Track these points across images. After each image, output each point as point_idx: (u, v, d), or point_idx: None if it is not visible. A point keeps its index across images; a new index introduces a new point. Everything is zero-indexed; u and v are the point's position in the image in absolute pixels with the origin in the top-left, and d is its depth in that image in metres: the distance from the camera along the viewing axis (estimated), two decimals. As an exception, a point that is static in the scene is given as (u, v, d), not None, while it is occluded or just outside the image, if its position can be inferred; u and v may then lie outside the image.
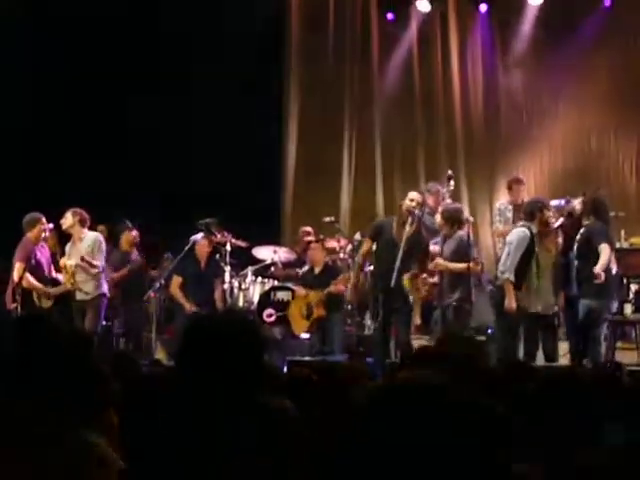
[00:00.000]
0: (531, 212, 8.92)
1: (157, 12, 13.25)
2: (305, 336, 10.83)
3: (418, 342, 9.34)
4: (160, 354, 10.69)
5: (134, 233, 11.29)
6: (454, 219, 9.40)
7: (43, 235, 9.95)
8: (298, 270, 11.44)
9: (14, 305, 9.59)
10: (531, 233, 8.77)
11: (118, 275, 11.05)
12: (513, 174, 12.07)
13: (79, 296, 9.95)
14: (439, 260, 9.33)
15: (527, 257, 8.73)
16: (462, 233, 9.34)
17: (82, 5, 12.71)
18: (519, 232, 8.86)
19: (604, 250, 8.48)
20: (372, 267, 10.04)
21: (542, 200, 9.40)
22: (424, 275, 9.44)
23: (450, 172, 10.65)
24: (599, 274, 8.34)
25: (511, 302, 8.61)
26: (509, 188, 10.66)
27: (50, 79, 12.95)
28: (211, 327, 2.50)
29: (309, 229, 12.24)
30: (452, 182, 10.54)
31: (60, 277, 10.06)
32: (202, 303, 10.88)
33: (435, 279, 9.58)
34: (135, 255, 11.32)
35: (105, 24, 12.98)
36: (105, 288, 10.07)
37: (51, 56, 12.83)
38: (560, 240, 9.33)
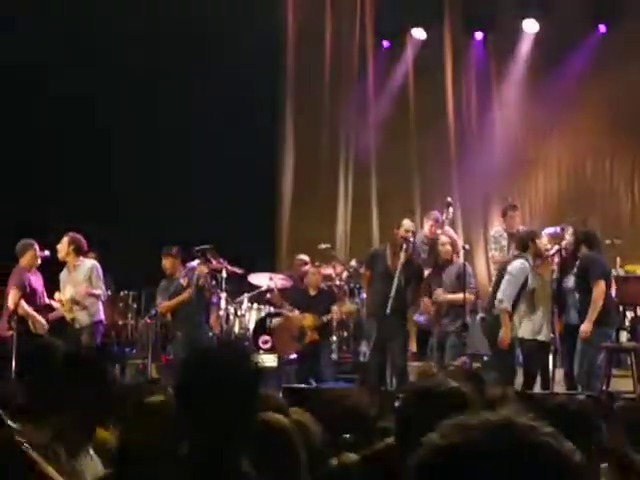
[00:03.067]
0: (524, 244, 8.90)
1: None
2: (292, 356, 10.77)
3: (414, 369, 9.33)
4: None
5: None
6: (454, 246, 9.46)
7: (37, 262, 9.86)
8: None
9: (10, 333, 9.50)
10: (529, 265, 8.76)
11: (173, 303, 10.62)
12: (508, 200, 12.05)
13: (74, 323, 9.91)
14: (439, 292, 9.36)
15: (522, 288, 8.69)
16: (462, 261, 9.34)
17: None
18: (520, 263, 8.74)
19: (596, 295, 8.46)
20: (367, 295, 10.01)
21: (533, 231, 9.49)
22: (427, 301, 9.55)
23: (449, 199, 10.62)
24: (585, 332, 8.43)
25: (507, 332, 8.49)
26: (503, 215, 10.59)
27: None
28: (208, 359, 2.53)
29: (306, 258, 11.83)
30: (451, 209, 10.54)
31: (54, 303, 9.97)
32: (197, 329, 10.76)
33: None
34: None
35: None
36: (101, 315, 10.01)
37: None
38: (555, 268, 9.33)
